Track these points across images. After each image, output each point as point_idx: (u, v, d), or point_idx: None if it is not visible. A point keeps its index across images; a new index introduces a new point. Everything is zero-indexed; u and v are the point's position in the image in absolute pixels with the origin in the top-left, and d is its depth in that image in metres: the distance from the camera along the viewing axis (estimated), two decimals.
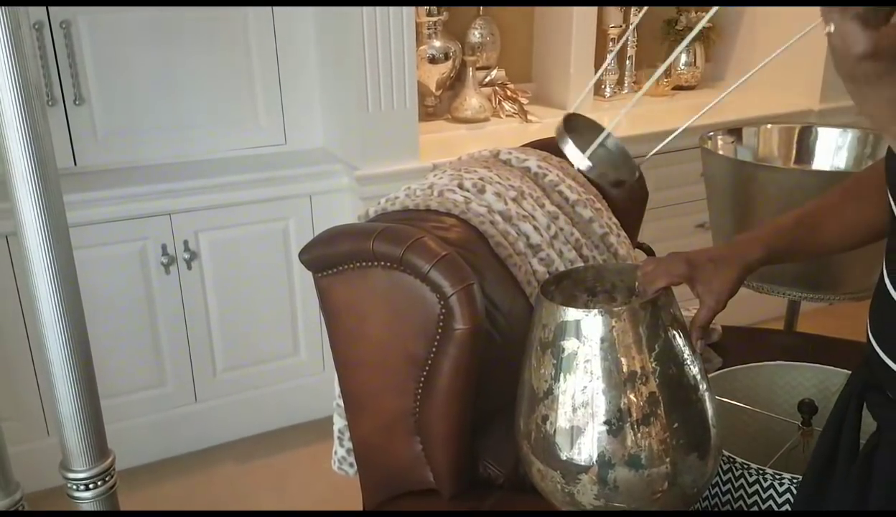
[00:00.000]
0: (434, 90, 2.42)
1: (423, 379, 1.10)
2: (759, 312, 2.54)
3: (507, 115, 2.45)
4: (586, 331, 0.83)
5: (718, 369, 1.34)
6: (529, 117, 2.43)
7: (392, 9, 1.90)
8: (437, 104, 2.47)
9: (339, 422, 1.31)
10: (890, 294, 0.78)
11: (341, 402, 1.27)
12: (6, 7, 0.72)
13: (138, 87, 1.94)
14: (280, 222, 2.05)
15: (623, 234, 1.44)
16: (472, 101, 2.40)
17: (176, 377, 2.02)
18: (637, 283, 0.92)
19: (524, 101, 2.46)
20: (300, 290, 2.10)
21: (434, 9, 2.29)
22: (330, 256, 1.14)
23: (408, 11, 1.93)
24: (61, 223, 0.82)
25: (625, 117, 2.52)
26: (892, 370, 0.79)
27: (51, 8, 1.79)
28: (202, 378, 2.05)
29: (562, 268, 1.25)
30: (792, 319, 1.69)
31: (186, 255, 1.93)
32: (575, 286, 0.98)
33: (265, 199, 2.00)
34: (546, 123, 2.42)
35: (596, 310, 0.84)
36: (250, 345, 2.09)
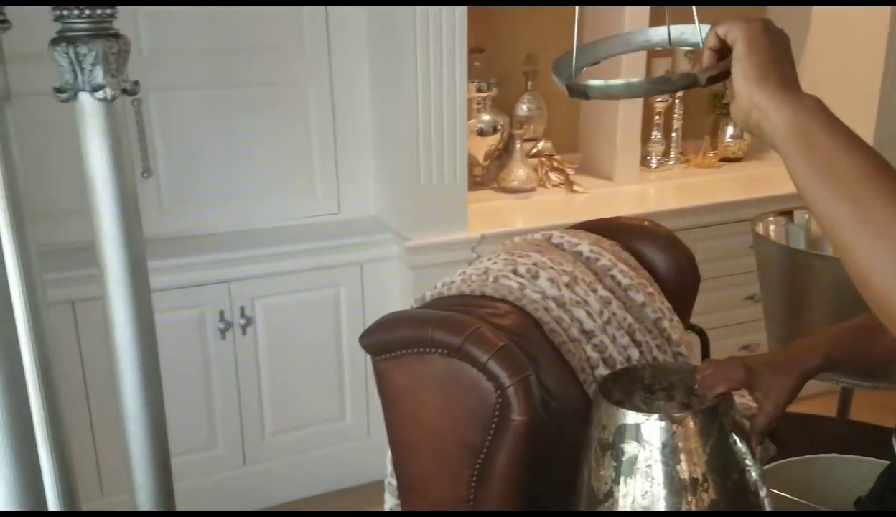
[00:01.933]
0: (482, 161, 2.48)
1: (477, 467, 1.12)
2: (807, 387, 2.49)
3: (553, 186, 2.49)
4: (647, 436, 0.85)
5: (772, 459, 1.32)
6: (575, 187, 2.47)
7: (445, 84, 1.98)
8: (485, 173, 2.52)
9: (391, 501, 1.33)
10: None
11: (394, 481, 1.29)
12: (106, 90, 0.78)
13: (202, 158, 2.04)
14: (331, 289, 2.10)
15: (676, 318, 1.45)
16: (519, 171, 2.45)
17: (227, 440, 2.06)
18: (696, 385, 0.94)
19: (570, 171, 2.50)
20: (348, 356, 2.14)
21: (484, 84, 2.36)
22: (389, 341, 1.18)
23: (460, 87, 2.01)
24: (145, 288, 0.87)
25: (672, 190, 2.55)
26: None
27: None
28: (252, 441, 2.09)
29: (615, 355, 1.27)
30: (845, 406, 1.67)
31: (242, 321, 1.99)
32: (633, 383, 0.99)
33: (318, 267, 2.06)
34: (593, 194, 2.45)
35: (656, 416, 0.85)
36: (299, 409, 2.13)
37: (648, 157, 2.67)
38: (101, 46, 0.75)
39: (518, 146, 2.45)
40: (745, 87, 0.68)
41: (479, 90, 2.36)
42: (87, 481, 1.94)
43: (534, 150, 2.54)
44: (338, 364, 2.15)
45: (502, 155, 2.51)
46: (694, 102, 2.75)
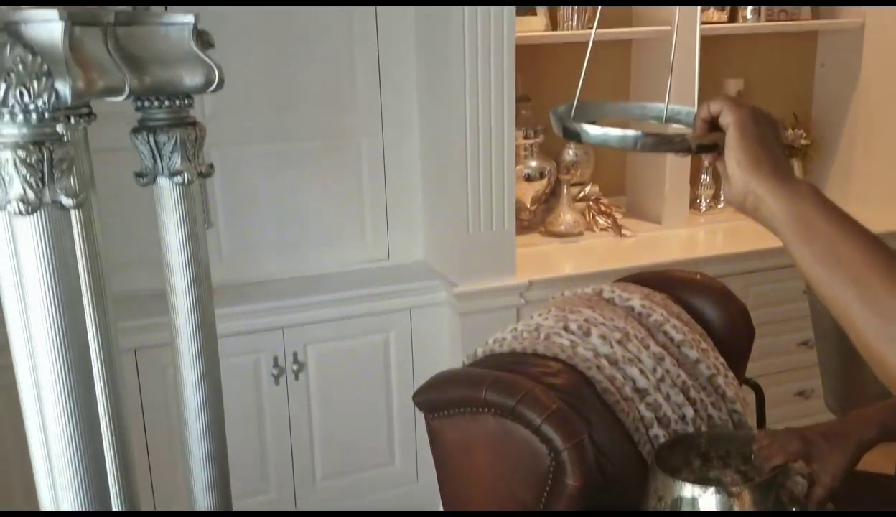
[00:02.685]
0: (529, 205, 2.50)
1: None
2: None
3: (600, 229, 2.50)
4: (704, 508, 0.85)
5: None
6: (623, 231, 2.47)
7: (493, 133, 2.01)
8: (532, 217, 2.54)
9: None
10: None
11: None
12: (184, 174, 0.83)
13: (259, 209, 2.11)
14: (381, 335, 2.14)
15: (730, 374, 1.44)
16: (567, 216, 2.46)
17: (278, 484, 2.10)
18: (753, 456, 0.93)
19: (618, 215, 2.50)
20: (397, 401, 2.16)
21: (531, 131, 2.39)
22: (442, 401, 1.20)
23: (508, 137, 2.04)
24: (214, 360, 0.91)
25: (723, 234, 2.53)
26: None
27: None
28: (303, 485, 2.12)
29: (669, 413, 1.26)
30: None
31: (295, 367, 2.04)
32: (689, 451, 0.99)
33: (368, 313, 2.10)
34: (641, 237, 2.45)
35: (713, 489, 0.85)
36: (349, 454, 2.15)
37: (698, 200, 2.65)
38: (180, 134, 0.80)
39: (565, 191, 2.46)
40: (740, 174, 0.71)
41: (526, 137, 2.39)
42: None
43: (581, 194, 2.55)
44: (387, 409, 2.17)
45: (549, 199, 2.53)
46: None
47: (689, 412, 1.30)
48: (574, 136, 0.77)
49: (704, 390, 1.37)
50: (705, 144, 0.74)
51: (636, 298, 1.46)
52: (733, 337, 1.54)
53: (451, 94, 1.99)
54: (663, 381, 1.32)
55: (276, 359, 2.02)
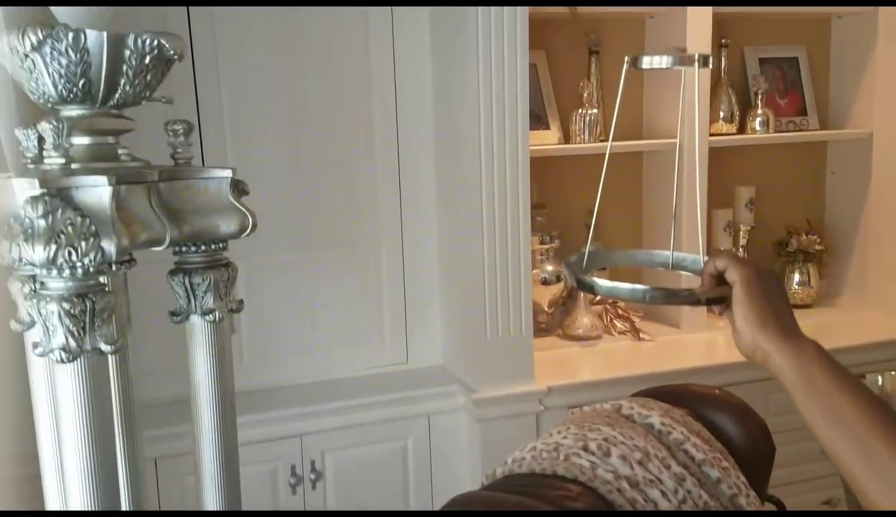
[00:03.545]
0: (546, 308, 2.52)
1: None
2: None
3: (619, 333, 2.50)
4: None
5: None
6: (642, 335, 2.47)
7: (510, 241, 2.06)
8: (550, 320, 2.56)
9: None
10: None
11: None
12: (216, 313, 0.87)
13: (280, 315, 2.15)
14: (399, 441, 2.13)
15: (752, 493, 1.42)
16: (584, 319, 2.48)
17: None
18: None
19: (636, 319, 2.52)
20: (415, 509, 2.13)
21: (547, 236, 2.44)
22: None
23: (524, 244, 2.09)
24: (235, 480, 0.92)
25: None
26: None
27: None
28: None
29: None
30: None
31: (313, 476, 2.03)
32: None
33: (387, 419, 2.10)
34: (659, 342, 2.45)
35: None
36: None
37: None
38: (213, 276, 0.84)
39: (582, 295, 2.49)
40: (748, 330, 0.76)
41: (542, 242, 2.44)
42: None
43: (597, 298, 2.57)
44: None
45: (566, 301, 2.55)
46: (760, 248, 2.76)
47: None
48: (587, 289, 0.81)
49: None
50: (714, 298, 0.78)
51: (656, 415, 1.45)
52: (754, 454, 1.53)
53: (469, 202, 2.06)
54: (685, 503, 1.30)
55: (293, 468, 2.01)
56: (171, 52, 0.82)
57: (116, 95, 0.80)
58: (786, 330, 0.74)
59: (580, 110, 2.41)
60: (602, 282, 0.78)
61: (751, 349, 0.75)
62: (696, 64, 0.85)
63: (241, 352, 2.11)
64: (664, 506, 1.28)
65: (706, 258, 0.85)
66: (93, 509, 0.76)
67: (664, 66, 0.86)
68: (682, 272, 0.92)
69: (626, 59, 0.89)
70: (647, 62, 0.87)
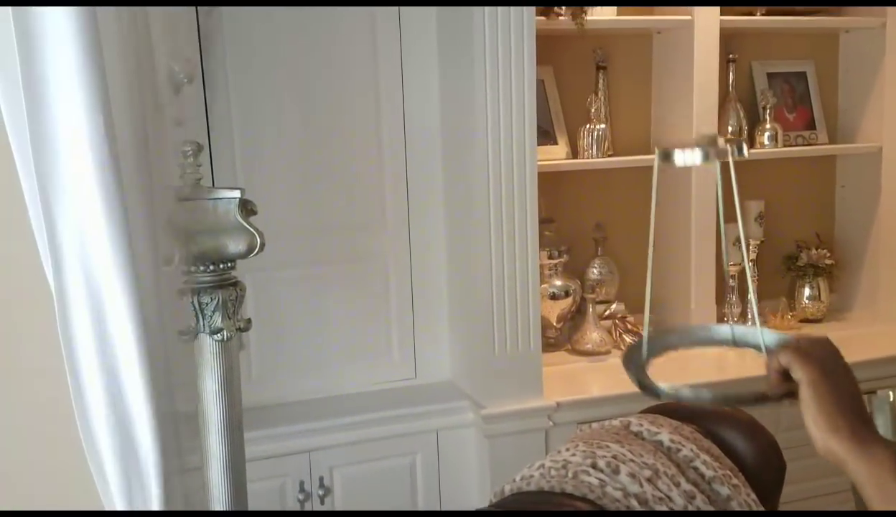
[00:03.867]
0: (555, 323, 2.51)
1: None
2: None
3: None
4: None
5: None
6: None
7: (518, 252, 2.06)
8: (558, 335, 2.55)
9: None
10: None
11: None
12: (224, 332, 0.87)
13: (289, 330, 2.15)
14: (408, 457, 2.12)
15: (762, 508, 1.41)
16: (593, 334, 2.47)
17: None
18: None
19: None
20: None
21: (555, 251, 2.44)
22: None
23: (532, 260, 2.09)
24: (243, 499, 0.92)
25: (752, 354, 2.51)
26: None
27: None
28: None
29: None
30: None
31: (321, 492, 2.02)
32: None
33: (395, 435, 2.10)
34: (669, 357, 2.42)
35: None
36: None
37: (725, 318, 2.65)
38: (222, 295, 0.85)
39: (590, 309, 2.48)
40: (819, 435, 0.74)
41: (551, 257, 2.44)
42: None
43: (606, 313, 2.57)
44: None
45: (575, 316, 2.55)
46: (770, 263, 2.75)
47: None
48: (653, 394, 0.81)
49: None
50: (783, 395, 0.77)
51: (665, 432, 1.45)
52: (765, 470, 1.51)
53: (477, 217, 2.06)
54: None
55: (302, 484, 2.01)
56: (181, 76, 0.84)
57: None
58: (857, 435, 0.73)
59: (588, 125, 2.42)
60: (665, 387, 0.79)
61: (823, 451, 0.75)
62: (731, 155, 0.82)
63: (249, 367, 2.11)
64: None
65: (765, 343, 0.85)
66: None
67: (696, 162, 0.84)
68: (745, 347, 0.91)
69: (656, 151, 0.88)
70: (679, 159, 0.84)
